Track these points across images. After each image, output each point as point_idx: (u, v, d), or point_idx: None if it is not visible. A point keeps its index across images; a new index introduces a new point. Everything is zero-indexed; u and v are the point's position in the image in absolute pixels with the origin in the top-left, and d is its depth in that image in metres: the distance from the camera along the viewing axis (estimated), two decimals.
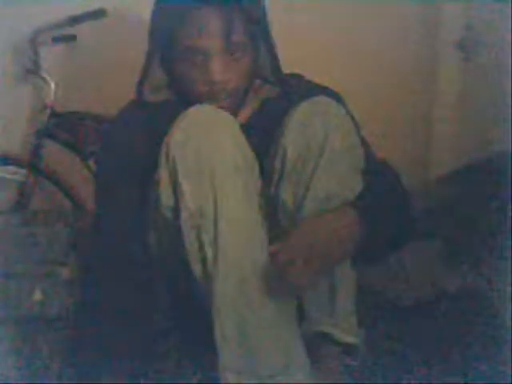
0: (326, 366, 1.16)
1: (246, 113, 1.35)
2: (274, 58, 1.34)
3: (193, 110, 1.19)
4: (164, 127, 1.20)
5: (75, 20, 1.98)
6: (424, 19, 2.29)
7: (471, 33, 2.23)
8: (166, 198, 1.18)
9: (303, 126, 1.19)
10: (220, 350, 1.11)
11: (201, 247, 1.14)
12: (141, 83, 1.34)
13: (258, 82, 1.39)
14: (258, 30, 1.29)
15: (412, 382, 1.26)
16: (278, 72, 1.35)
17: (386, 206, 1.21)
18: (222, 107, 1.24)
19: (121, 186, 1.28)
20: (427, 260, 1.68)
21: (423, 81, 2.32)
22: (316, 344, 1.16)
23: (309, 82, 1.39)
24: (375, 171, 1.25)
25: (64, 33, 1.99)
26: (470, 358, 1.31)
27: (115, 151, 1.32)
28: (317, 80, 1.39)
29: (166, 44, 1.27)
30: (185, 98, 1.30)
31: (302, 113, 1.20)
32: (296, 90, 1.34)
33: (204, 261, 1.13)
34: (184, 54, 1.25)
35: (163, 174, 1.18)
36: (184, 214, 1.15)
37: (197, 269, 1.15)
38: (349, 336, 1.17)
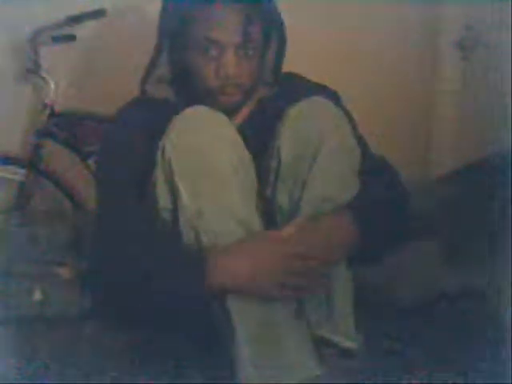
0: (325, 367, 1.16)
1: (243, 112, 1.35)
2: (280, 57, 1.34)
3: (188, 111, 1.19)
4: (164, 127, 1.19)
5: (75, 20, 1.98)
6: (424, 19, 2.29)
7: (471, 33, 2.24)
8: (163, 199, 1.18)
9: (299, 125, 1.19)
10: (242, 348, 1.11)
11: (201, 247, 1.13)
12: (147, 77, 1.33)
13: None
14: (274, 28, 1.29)
15: (412, 382, 1.26)
16: (278, 71, 1.35)
17: (383, 207, 1.21)
18: (228, 102, 1.24)
19: (120, 185, 1.27)
20: (427, 260, 1.68)
21: (423, 81, 2.32)
22: (316, 345, 1.16)
23: (307, 81, 1.39)
24: (373, 171, 1.25)
25: (64, 32, 1.99)
26: (470, 358, 1.31)
27: (115, 150, 1.32)
28: (317, 80, 1.39)
29: (180, 34, 1.26)
30: (188, 94, 1.29)
31: (298, 112, 1.20)
32: (294, 89, 1.34)
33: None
34: (199, 44, 1.24)
35: (159, 176, 1.17)
36: (182, 215, 1.14)
37: None
38: (347, 340, 1.17)
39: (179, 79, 1.33)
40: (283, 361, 1.10)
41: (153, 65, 1.32)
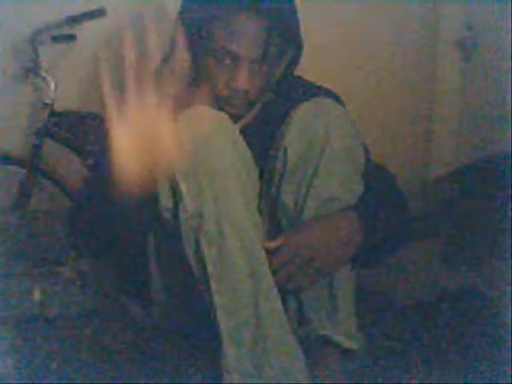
0: (325, 367, 1.16)
1: (248, 116, 1.35)
2: (292, 68, 1.32)
3: (190, 111, 1.18)
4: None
5: (75, 20, 1.98)
6: (424, 19, 2.29)
7: (471, 33, 2.24)
8: (164, 198, 1.18)
9: (304, 126, 1.19)
10: (228, 352, 1.11)
11: (200, 247, 1.13)
12: (160, 71, 1.32)
13: None
14: (291, 41, 1.27)
15: (412, 382, 1.26)
16: (286, 79, 1.34)
17: (385, 209, 1.22)
18: (232, 113, 1.24)
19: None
20: (427, 260, 1.69)
21: (423, 81, 2.32)
22: (316, 345, 1.16)
23: (310, 83, 1.39)
24: (373, 173, 1.25)
25: (64, 32, 1.98)
26: (470, 357, 1.31)
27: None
28: (317, 80, 1.39)
29: (194, 38, 1.24)
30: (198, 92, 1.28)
31: (303, 113, 1.20)
32: (297, 91, 1.34)
33: (204, 260, 1.13)
34: (213, 52, 1.23)
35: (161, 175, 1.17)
36: (182, 215, 1.14)
37: (196, 269, 1.15)
38: (349, 340, 1.17)
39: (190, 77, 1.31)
40: (268, 367, 1.10)
41: (166, 60, 1.31)
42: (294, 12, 1.27)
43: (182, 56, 1.29)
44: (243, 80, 1.23)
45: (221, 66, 1.24)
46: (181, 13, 1.28)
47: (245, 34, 1.21)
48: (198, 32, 1.24)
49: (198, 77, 1.28)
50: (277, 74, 1.34)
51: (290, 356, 1.11)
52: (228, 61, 1.23)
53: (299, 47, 1.30)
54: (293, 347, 1.12)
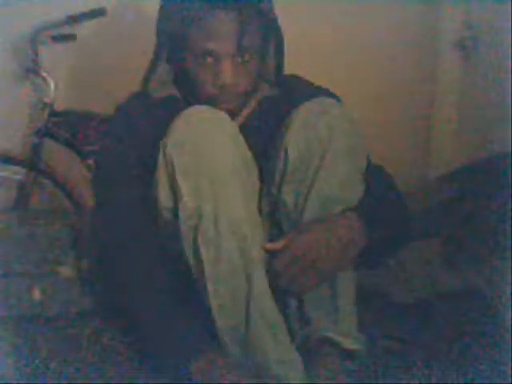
0: (325, 367, 1.16)
1: (244, 112, 1.35)
2: (280, 55, 1.33)
3: (190, 111, 1.19)
4: (167, 123, 1.19)
5: (75, 19, 1.98)
6: (424, 19, 2.29)
7: (471, 33, 2.24)
8: (164, 198, 1.18)
9: (306, 126, 1.19)
10: (228, 352, 1.11)
11: (198, 247, 1.13)
12: (148, 77, 1.33)
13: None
14: (271, 29, 1.28)
15: (412, 382, 1.26)
16: (279, 70, 1.35)
17: (385, 209, 1.22)
18: (228, 109, 1.24)
19: (121, 182, 1.27)
20: (427, 260, 1.68)
21: (423, 81, 2.32)
22: (317, 345, 1.16)
23: (309, 83, 1.39)
24: (372, 173, 1.25)
25: (64, 32, 1.99)
26: (470, 358, 1.31)
27: (116, 147, 1.31)
28: (316, 80, 1.39)
29: (177, 40, 1.27)
30: (190, 95, 1.30)
31: (304, 113, 1.20)
32: (296, 91, 1.34)
33: (201, 260, 1.13)
34: (194, 54, 1.25)
35: (161, 174, 1.17)
36: (182, 214, 1.14)
37: (194, 268, 1.15)
38: (350, 341, 1.17)
39: (179, 80, 1.33)
40: (280, 360, 1.10)
41: (153, 66, 1.32)
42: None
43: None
44: (228, 75, 1.24)
45: (204, 65, 1.25)
46: (158, 21, 1.30)
47: (220, 31, 1.23)
48: (177, 36, 1.26)
49: (185, 79, 1.29)
50: (270, 65, 1.34)
51: (286, 357, 1.11)
52: (210, 59, 1.25)
53: (279, 34, 1.31)
54: (286, 348, 1.12)
